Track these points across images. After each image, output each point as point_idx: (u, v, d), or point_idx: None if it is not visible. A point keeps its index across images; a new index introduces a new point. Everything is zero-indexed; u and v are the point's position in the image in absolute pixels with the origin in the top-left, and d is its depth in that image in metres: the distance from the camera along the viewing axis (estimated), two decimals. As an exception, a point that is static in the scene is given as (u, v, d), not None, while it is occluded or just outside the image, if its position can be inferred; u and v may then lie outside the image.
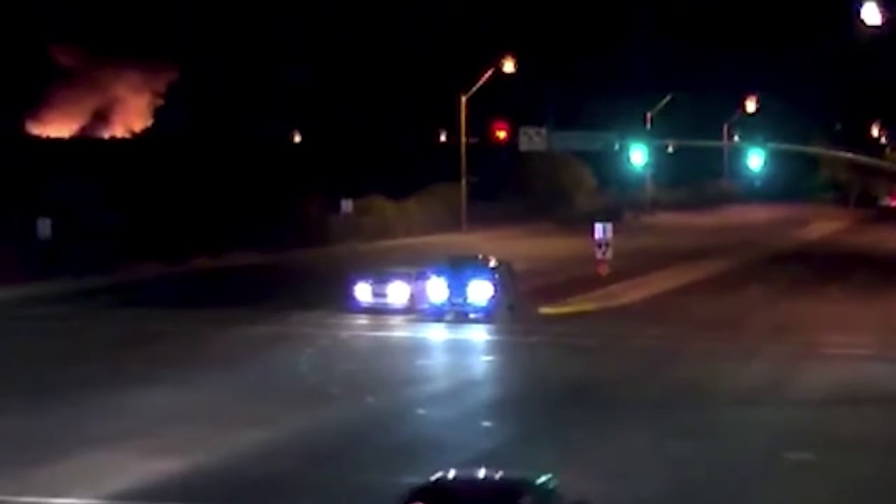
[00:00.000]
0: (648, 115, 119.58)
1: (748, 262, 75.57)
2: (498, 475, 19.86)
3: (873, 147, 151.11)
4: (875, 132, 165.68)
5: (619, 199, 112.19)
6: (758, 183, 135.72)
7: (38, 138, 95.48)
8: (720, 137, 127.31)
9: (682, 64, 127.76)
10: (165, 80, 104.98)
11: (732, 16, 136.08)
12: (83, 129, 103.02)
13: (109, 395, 35.23)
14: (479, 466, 21.02)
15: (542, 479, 19.78)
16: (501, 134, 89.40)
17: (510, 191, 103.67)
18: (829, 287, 62.21)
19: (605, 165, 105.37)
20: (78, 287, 57.53)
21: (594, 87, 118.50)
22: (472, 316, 49.34)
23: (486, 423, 32.84)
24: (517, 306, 50.76)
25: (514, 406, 35.38)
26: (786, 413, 33.14)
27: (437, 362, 43.36)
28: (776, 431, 31.28)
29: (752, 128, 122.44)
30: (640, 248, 76.25)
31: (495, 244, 76.17)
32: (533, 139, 52.93)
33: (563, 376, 38.86)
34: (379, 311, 50.89)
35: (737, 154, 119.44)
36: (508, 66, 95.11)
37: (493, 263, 51.18)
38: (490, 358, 44.88)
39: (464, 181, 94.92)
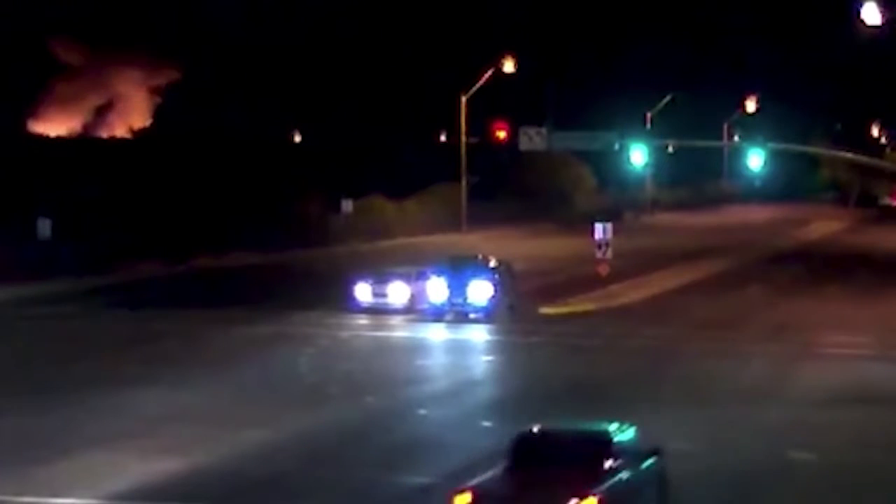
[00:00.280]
0: (648, 115, 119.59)
1: (748, 262, 75.58)
2: (589, 425, 23.10)
3: (873, 147, 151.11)
4: (875, 132, 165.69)
5: (619, 199, 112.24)
6: (758, 183, 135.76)
7: (38, 138, 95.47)
8: (720, 137, 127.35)
9: (682, 64, 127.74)
10: (166, 79, 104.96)
11: (732, 16, 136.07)
12: (84, 126, 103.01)
13: (109, 395, 35.22)
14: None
15: (624, 427, 22.70)
16: (501, 134, 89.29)
17: (510, 191, 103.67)
18: (829, 287, 62.20)
19: (605, 165, 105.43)
20: (78, 287, 57.53)
21: (594, 87, 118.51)
22: (472, 316, 49.34)
23: (486, 423, 32.82)
24: (517, 306, 50.76)
25: (514, 406, 35.35)
26: (786, 413, 33.12)
27: (437, 362, 43.35)
28: (776, 431, 31.27)
29: (752, 128, 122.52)
30: (640, 248, 76.25)
31: (495, 244, 76.19)
32: (533, 139, 52.97)
33: (563, 376, 38.85)
34: (379, 311, 50.90)
35: (737, 154, 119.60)
36: (508, 66, 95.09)
37: (493, 263, 51.18)
38: (490, 358, 44.88)
39: (464, 181, 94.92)
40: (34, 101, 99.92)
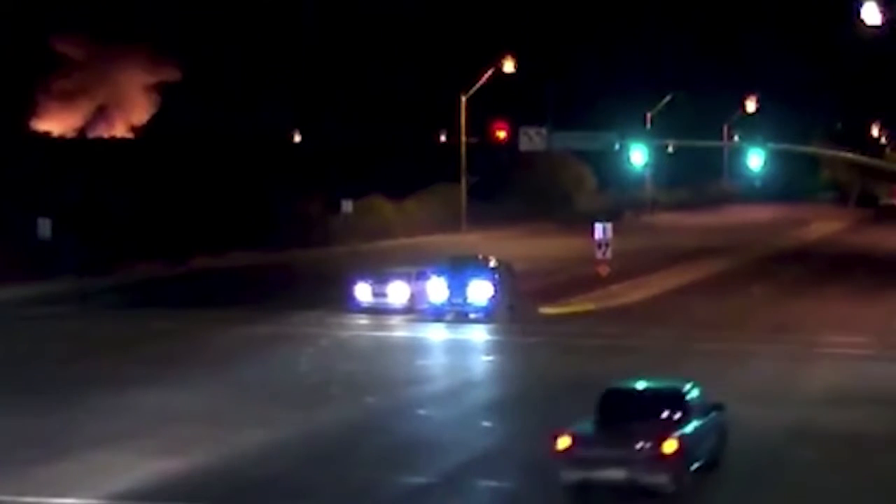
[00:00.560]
0: (648, 115, 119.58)
1: (748, 261, 75.58)
2: (664, 382, 27.67)
3: (873, 147, 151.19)
4: (875, 132, 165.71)
5: (619, 199, 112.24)
6: (758, 183, 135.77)
7: (38, 137, 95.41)
8: (720, 137, 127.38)
9: (682, 64, 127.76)
10: (167, 76, 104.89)
11: (733, 15, 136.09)
12: (85, 124, 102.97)
13: (109, 395, 35.23)
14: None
15: (693, 385, 26.91)
16: (501, 134, 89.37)
17: (510, 191, 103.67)
18: (830, 287, 62.19)
19: (605, 165, 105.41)
20: (78, 287, 57.51)
21: (594, 87, 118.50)
22: (472, 316, 49.34)
23: (486, 423, 32.86)
24: (517, 306, 50.75)
25: (514, 406, 35.39)
26: (786, 412, 33.13)
27: (437, 362, 43.36)
28: (777, 430, 31.28)
29: (752, 128, 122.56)
30: (640, 248, 76.26)
31: (495, 244, 76.20)
32: (533, 139, 52.95)
33: (563, 376, 38.85)
34: (379, 311, 50.91)
35: (737, 154, 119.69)
36: (508, 66, 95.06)
37: (493, 263, 51.17)
38: (490, 358, 44.88)
39: (464, 181, 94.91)
40: (34, 98, 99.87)
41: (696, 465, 26.00)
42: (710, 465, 27.01)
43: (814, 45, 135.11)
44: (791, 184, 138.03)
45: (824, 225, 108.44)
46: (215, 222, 74.02)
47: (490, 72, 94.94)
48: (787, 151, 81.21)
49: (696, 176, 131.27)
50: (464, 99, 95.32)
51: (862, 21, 48.09)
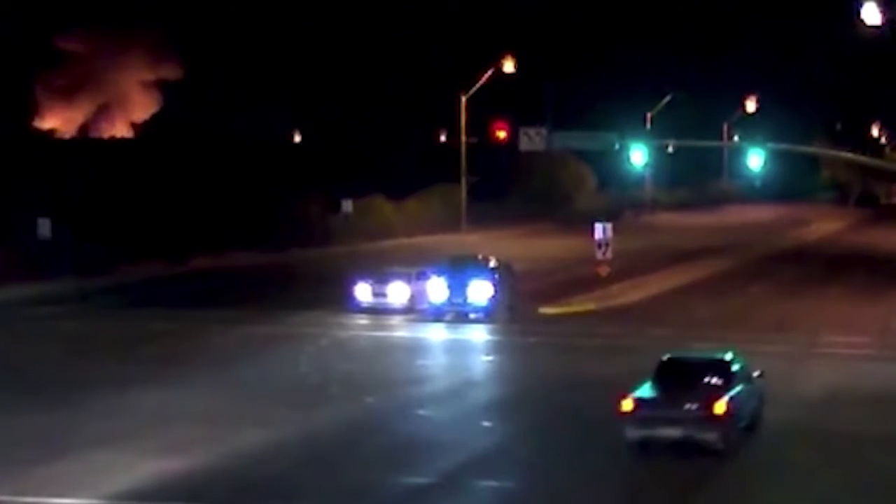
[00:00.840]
0: (648, 115, 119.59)
1: (748, 261, 75.59)
2: (712, 353, 30.99)
3: (873, 147, 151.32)
4: (875, 132, 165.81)
5: (619, 199, 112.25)
6: (758, 183, 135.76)
7: (38, 136, 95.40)
8: (720, 137, 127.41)
9: (682, 64, 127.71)
10: (168, 74, 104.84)
11: (733, 15, 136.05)
12: (85, 122, 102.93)
13: (109, 395, 35.24)
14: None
15: (737, 355, 30.53)
16: (501, 134, 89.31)
17: (510, 191, 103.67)
18: (830, 287, 62.21)
19: (605, 165, 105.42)
20: (78, 287, 57.52)
21: (594, 87, 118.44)
22: (472, 316, 49.34)
23: (486, 423, 32.87)
24: (517, 306, 50.76)
25: (514, 406, 35.39)
26: (786, 412, 33.11)
27: (437, 362, 43.36)
28: (777, 430, 31.27)
29: (752, 128, 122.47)
30: (640, 248, 76.26)
31: (495, 244, 76.21)
32: (533, 139, 52.97)
33: (563, 376, 38.87)
34: (379, 311, 50.91)
35: (737, 154, 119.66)
36: (508, 66, 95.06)
37: (493, 263, 51.18)
38: (490, 358, 44.88)
39: (464, 181, 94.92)
40: (35, 96, 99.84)
41: (741, 425, 29.01)
42: (751, 427, 29.98)
43: (814, 45, 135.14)
44: (791, 184, 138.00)
45: (824, 225, 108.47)
46: (215, 222, 74.02)
47: (490, 72, 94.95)
48: (787, 151, 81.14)
49: (696, 176, 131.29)
50: (464, 99, 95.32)
51: (862, 21, 48.10)
